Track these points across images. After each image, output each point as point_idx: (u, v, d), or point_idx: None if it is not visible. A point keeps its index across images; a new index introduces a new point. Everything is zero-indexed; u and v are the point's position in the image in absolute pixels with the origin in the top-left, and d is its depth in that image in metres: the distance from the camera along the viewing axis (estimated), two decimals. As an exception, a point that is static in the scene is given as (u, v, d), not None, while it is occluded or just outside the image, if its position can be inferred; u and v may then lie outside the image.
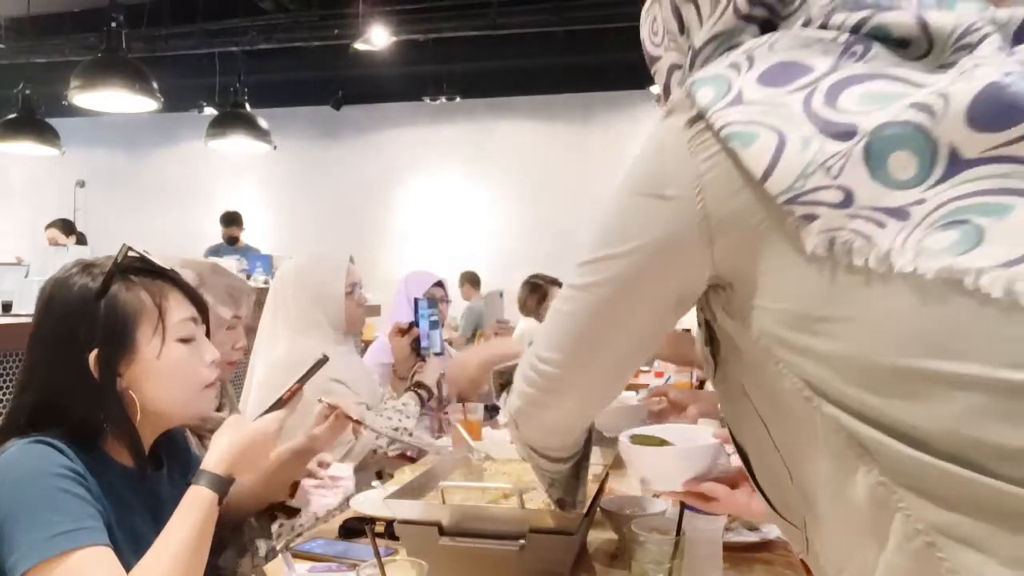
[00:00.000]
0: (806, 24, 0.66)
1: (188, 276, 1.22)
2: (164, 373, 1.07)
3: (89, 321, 1.03)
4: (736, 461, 0.84)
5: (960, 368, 0.53)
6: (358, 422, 1.43)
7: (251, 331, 2.15)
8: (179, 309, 1.10)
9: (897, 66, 0.61)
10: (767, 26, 0.70)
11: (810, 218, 0.58)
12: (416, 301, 2.37)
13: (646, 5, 0.82)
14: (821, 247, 0.58)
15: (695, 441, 1.03)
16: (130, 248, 1.09)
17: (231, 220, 6.80)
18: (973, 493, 0.52)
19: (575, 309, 0.76)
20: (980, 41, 0.59)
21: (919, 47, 0.62)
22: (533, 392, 0.84)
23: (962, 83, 0.55)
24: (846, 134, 0.57)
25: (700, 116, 0.64)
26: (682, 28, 0.77)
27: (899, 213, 0.56)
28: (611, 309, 0.74)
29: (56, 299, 1.06)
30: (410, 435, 2.02)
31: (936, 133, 0.55)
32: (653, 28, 0.81)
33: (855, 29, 0.63)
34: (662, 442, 1.03)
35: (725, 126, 0.62)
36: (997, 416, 0.51)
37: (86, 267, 1.08)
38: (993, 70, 0.55)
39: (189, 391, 1.10)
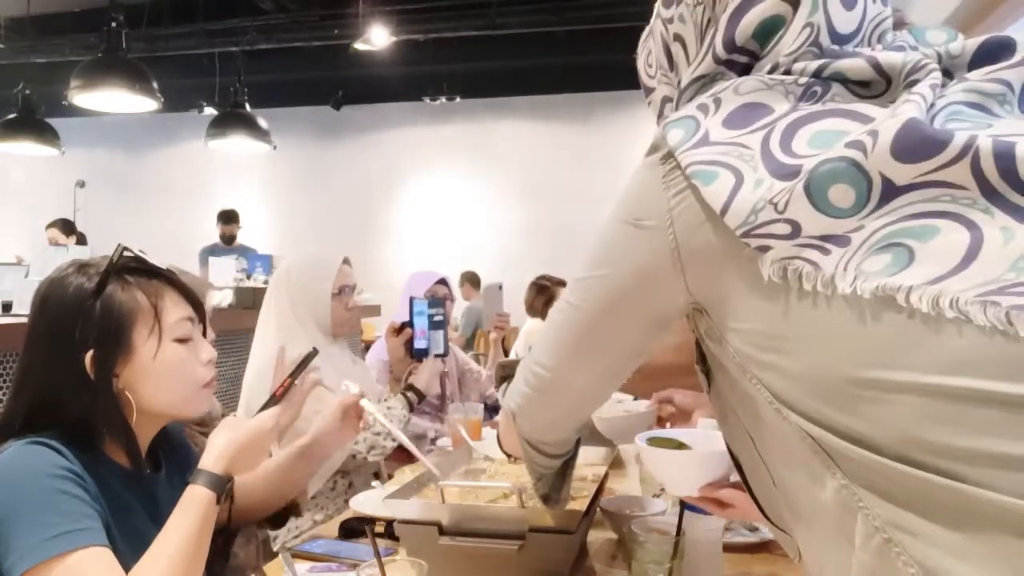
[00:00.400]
0: (772, 70, 0.72)
1: None
2: (160, 373, 1.07)
3: (85, 321, 1.03)
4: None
5: (898, 376, 0.57)
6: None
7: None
8: (175, 309, 1.10)
9: (854, 103, 0.67)
10: (745, 72, 0.75)
11: (764, 249, 0.64)
12: (411, 300, 2.34)
13: (643, 37, 0.88)
14: (776, 274, 0.63)
15: (712, 445, 1.02)
16: (126, 248, 1.09)
17: (229, 218, 6.77)
18: (917, 489, 0.57)
19: (565, 322, 0.84)
20: (925, 77, 0.65)
21: (878, 86, 0.68)
22: (530, 392, 0.92)
23: (888, 120, 0.60)
24: (792, 174, 0.63)
25: (671, 155, 0.71)
26: (671, 65, 0.83)
27: (841, 240, 0.61)
28: (594, 324, 0.81)
29: (51, 299, 1.06)
30: (393, 440, 1.98)
31: (867, 166, 0.60)
32: (648, 61, 0.88)
33: (816, 74, 0.69)
34: (680, 445, 1.04)
35: (690, 164, 0.68)
36: (937, 419, 0.56)
37: (82, 267, 1.07)
38: (916, 107, 0.60)
39: (186, 391, 1.10)
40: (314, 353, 1.29)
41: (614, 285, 0.77)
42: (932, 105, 0.62)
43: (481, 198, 8.60)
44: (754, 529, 1.42)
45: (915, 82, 0.65)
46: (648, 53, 0.87)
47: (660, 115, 0.87)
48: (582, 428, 1.03)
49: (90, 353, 1.03)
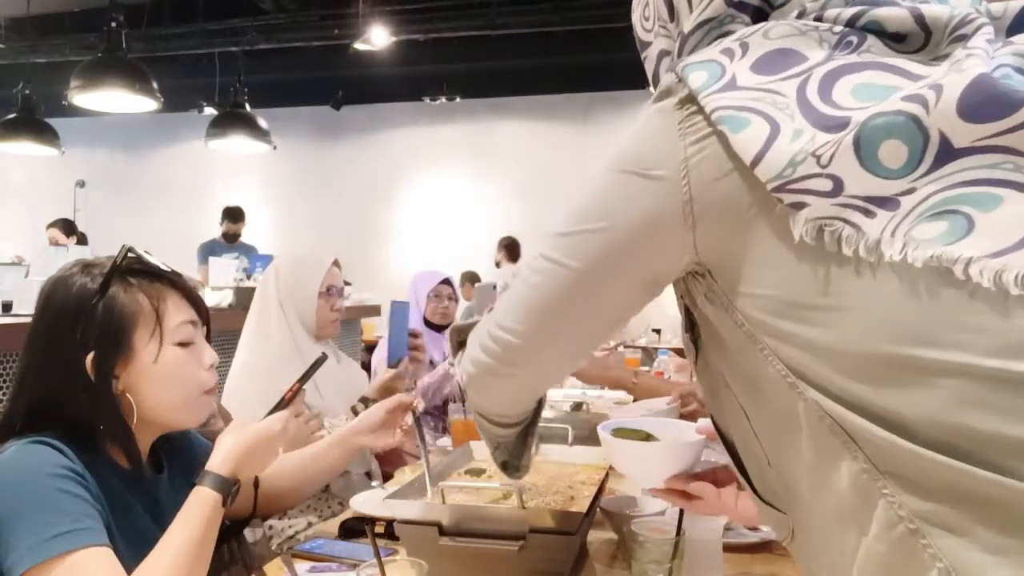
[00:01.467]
0: (800, 15, 0.66)
1: None
2: (161, 377, 1.07)
3: (86, 322, 1.03)
4: (723, 457, 0.83)
5: (947, 356, 0.53)
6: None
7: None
8: (177, 312, 1.09)
9: (893, 57, 0.61)
10: (758, 16, 0.70)
11: (799, 206, 0.58)
12: (392, 305, 2.29)
13: None
14: (809, 235, 0.58)
15: (680, 437, 1.00)
16: (130, 249, 1.09)
17: (237, 216, 6.65)
18: (955, 481, 0.53)
19: (544, 282, 0.75)
20: (974, 32, 0.59)
21: (915, 40, 0.62)
22: (489, 361, 0.82)
23: (953, 75, 0.55)
24: (839, 126, 0.58)
25: (691, 99, 0.64)
26: (672, 14, 0.76)
27: (889, 202, 0.56)
28: (583, 285, 0.73)
29: (54, 298, 1.06)
30: None
31: (927, 122, 0.55)
32: (644, 13, 0.81)
33: (850, 23, 0.64)
34: (647, 436, 1.00)
35: (717, 109, 0.62)
36: (981, 405, 0.52)
37: (86, 267, 1.07)
38: (983, 62, 0.55)
39: (187, 395, 1.10)
40: (323, 359, 1.29)
41: (611, 240, 0.69)
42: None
43: (481, 198, 8.59)
44: (754, 529, 1.42)
45: (963, 37, 0.59)
46: (645, 5, 0.80)
47: (656, 71, 0.81)
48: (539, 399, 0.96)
49: (91, 354, 1.03)
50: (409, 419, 1.53)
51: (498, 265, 7.32)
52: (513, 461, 1.01)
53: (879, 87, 0.59)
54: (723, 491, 0.92)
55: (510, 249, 7.38)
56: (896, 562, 0.57)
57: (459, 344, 0.94)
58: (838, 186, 0.57)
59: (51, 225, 6.27)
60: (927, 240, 0.54)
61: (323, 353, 1.32)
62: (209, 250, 6.01)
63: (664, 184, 0.65)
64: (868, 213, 0.56)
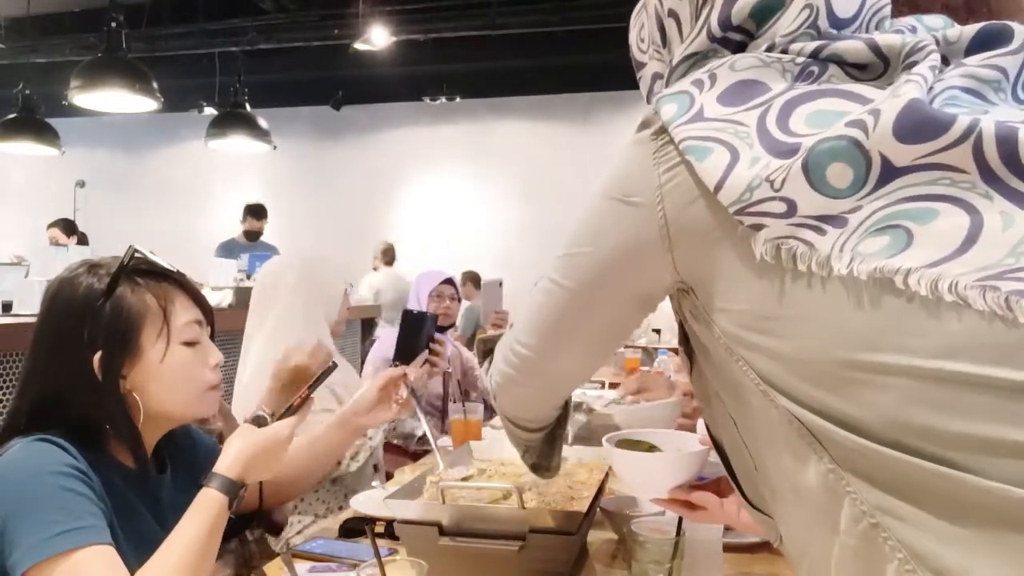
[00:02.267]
0: (769, 49, 0.71)
1: None
2: (168, 376, 1.07)
3: (93, 322, 1.03)
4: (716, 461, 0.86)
5: (892, 360, 0.57)
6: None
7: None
8: (184, 312, 1.10)
9: (851, 84, 0.66)
10: (739, 50, 0.74)
11: (758, 227, 0.63)
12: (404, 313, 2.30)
13: (635, 10, 0.86)
14: (768, 253, 0.63)
15: (683, 448, 1.02)
16: (136, 250, 1.09)
17: (260, 213, 6.17)
18: (906, 474, 0.57)
19: (547, 301, 0.82)
20: (924, 59, 0.64)
21: (876, 68, 0.67)
22: (510, 371, 0.91)
23: (891, 100, 0.60)
24: (790, 152, 0.62)
25: (663, 130, 0.69)
26: (664, 41, 0.81)
27: (837, 220, 0.60)
28: (578, 303, 0.80)
29: (61, 298, 1.06)
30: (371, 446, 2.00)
31: (868, 145, 0.59)
32: (640, 35, 0.86)
33: (813, 55, 0.68)
34: (650, 447, 1.03)
35: (684, 140, 0.67)
36: (924, 403, 0.56)
37: (92, 267, 1.08)
38: (918, 88, 0.60)
39: (193, 394, 1.11)
40: (333, 367, 1.30)
41: (599, 262, 0.76)
42: (931, 88, 0.62)
43: (481, 198, 8.60)
44: (754, 529, 1.42)
45: (914, 63, 0.64)
46: (641, 27, 0.85)
47: (650, 92, 0.86)
48: (564, 403, 1.02)
49: (98, 354, 1.03)
50: (404, 391, 1.55)
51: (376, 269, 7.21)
52: (543, 463, 1.08)
53: (831, 113, 0.63)
54: (726, 501, 0.95)
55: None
56: (863, 556, 0.60)
57: (485, 353, 0.99)
58: (791, 207, 0.61)
59: (51, 225, 6.26)
60: (871, 254, 0.58)
61: (333, 362, 1.33)
62: (227, 250, 5.60)
63: (642, 210, 0.70)
64: (819, 231, 0.61)
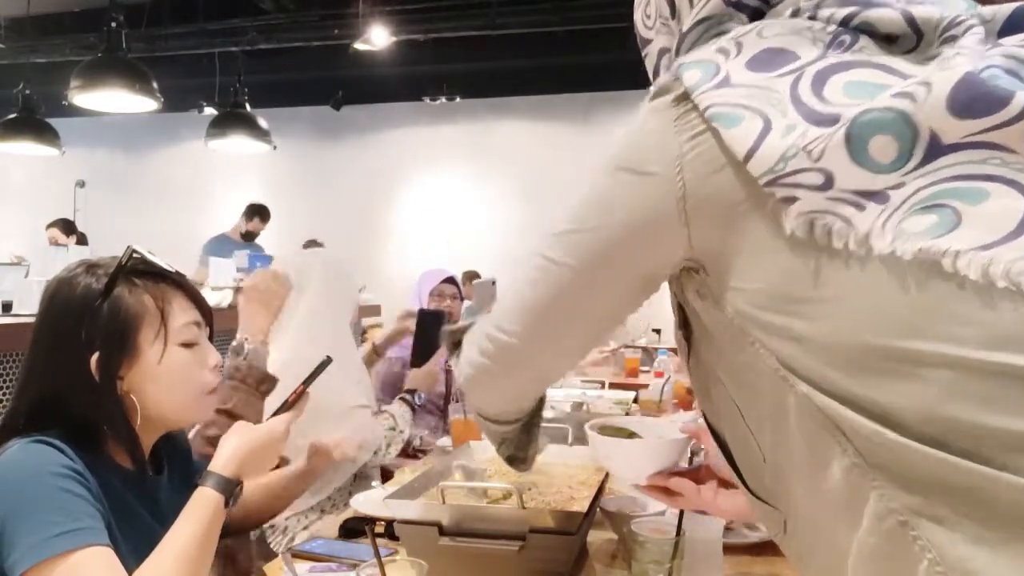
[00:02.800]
0: (795, 15, 0.67)
1: None
2: (165, 378, 1.07)
3: (91, 322, 1.03)
4: (710, 458, 0.85)
5: (936, 348, 0.53)
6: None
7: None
8: (182, 313, 1.10)
9: (884, 57, 0.62)
10: (756, 15, 0.71)
11: (790, 200, 0.59)
12: (420, 314, 2.34)
13: None
14: (800, 229, 0.58)
15: (664, 435, 1.04)
16: (135, 250, 1.09)
17: (265, 214, 6.16)
18: (943, 474, 0.53)
19: (542, 281, 0.76)
20: (964, 33, 0.60)
21: (907, 41, 0.63)
22: (487, 362, 0.84)
23: (942, 72, 0.56)
24: (830, 122, 0.58)
25: (686, 96, 0.65)
26: (674, 12, 0.77)
27: (879, 196, 0.56)
28: (581, 283, 0.74)
29: (59, 298, 1.06)
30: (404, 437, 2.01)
31: (917, 119, 0.55)
32: (646, 11, 0.82)
33: (843, 23, 0.64)
34: (631, 434, 1.04)
35: (711, 106, 0.62)
36: (969, 397, 0.52)
37: (90, 267, 1.08)
38: (970, 60, 0.56)
39: (190, 396, 1.10)
40: (328, 361, 1.29)
41: (608, 238, 0.70)
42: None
43: (481, 198, 8.59)
44: (754, 529, 1.42)
45: (953, 38, 0.60)
46: (647, 3, 0.81)
47: (656, 70, 0.82)
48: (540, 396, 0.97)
49: (96, 355, 1.03)
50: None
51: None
52: (519, 454, 1.02)
53: (870, 84, 0.59)
54: (703, 487, 0.95)
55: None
56: (887, 554, 0.57)
57: (454, 345, 0.94)
58: (829, 180, 0.57)
59: (51, 225, 6.26)
60: (916, 233, 0.54)
61: (328, 356, 1.33)
62: (219, 245, 5.58)
63: (658, 180, 0.65)
64: (858, 207, 0.57)
